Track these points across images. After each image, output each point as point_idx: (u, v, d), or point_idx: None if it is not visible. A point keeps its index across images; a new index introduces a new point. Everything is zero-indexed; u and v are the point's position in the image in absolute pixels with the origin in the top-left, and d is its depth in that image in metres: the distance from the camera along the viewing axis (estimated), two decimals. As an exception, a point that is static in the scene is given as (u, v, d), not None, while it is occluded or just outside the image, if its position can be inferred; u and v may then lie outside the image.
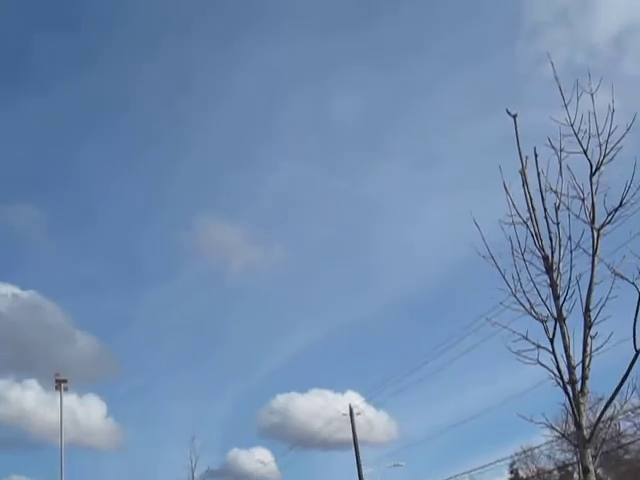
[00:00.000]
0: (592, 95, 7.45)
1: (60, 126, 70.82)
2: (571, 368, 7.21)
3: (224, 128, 68.17)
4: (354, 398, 39.68)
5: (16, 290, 61.82)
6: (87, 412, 59.80)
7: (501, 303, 7.95)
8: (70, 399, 29.47)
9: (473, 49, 63.13)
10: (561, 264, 7.49)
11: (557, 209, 7.59)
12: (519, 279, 7.59)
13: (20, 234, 69.23)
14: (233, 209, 71.53)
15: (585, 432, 7.17)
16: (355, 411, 31.19)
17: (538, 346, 7.36)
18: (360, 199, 66.92)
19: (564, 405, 7.65)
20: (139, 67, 69.57)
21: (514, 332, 7.58)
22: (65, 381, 28.28)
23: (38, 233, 69.50)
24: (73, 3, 68.64)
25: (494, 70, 59.75)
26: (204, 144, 67.65)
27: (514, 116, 8.23)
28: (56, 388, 28.44)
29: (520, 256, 7.66)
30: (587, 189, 7.42)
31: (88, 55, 72.24)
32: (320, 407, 54.49)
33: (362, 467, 29.88)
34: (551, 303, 7.43)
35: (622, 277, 7.05)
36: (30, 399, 63.34)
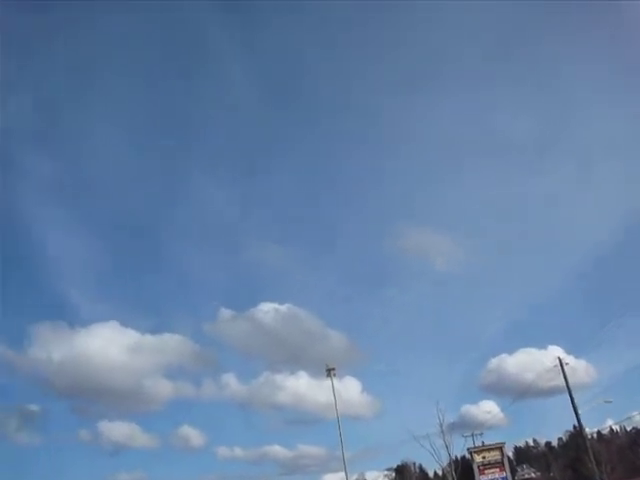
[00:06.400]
0: None
1: (313, 190, 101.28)
2: None
3: (418, 156, 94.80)
4: (556, 351, 47.93)
5: (276, 305, 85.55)
6: (347, 390, 76.84)
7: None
8: (333, 382, 36.20)
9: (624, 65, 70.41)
10: None
11: None
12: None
13: (275, 264, 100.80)
14: (428, 218, 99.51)
15: None
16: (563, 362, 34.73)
17: None
18: (530, 206, 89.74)
19: None
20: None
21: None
22: (334, 369, 36.49)
23: (287, 262, 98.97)
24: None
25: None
26: (400, 170, 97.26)
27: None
28: (327, 375, 36.33)
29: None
30: None
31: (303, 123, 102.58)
32: (527, 362, 68.26)
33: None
34: None
35: None
36: (302, 386, 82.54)
